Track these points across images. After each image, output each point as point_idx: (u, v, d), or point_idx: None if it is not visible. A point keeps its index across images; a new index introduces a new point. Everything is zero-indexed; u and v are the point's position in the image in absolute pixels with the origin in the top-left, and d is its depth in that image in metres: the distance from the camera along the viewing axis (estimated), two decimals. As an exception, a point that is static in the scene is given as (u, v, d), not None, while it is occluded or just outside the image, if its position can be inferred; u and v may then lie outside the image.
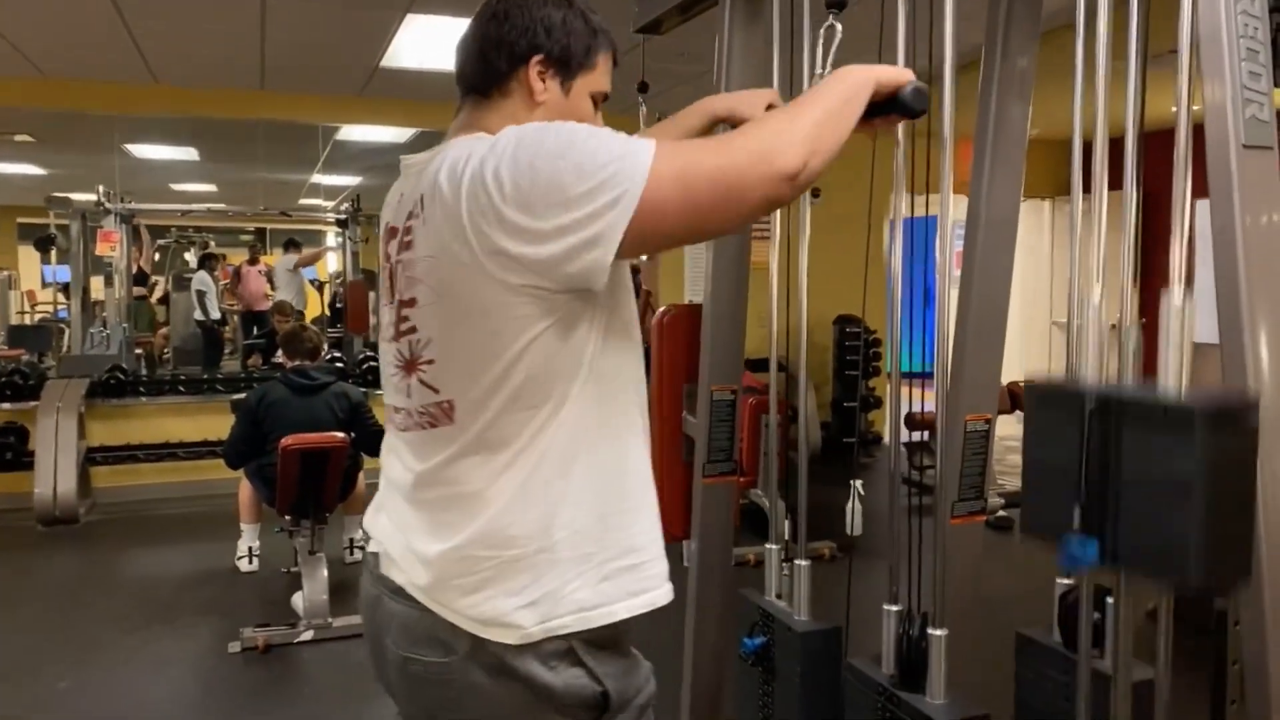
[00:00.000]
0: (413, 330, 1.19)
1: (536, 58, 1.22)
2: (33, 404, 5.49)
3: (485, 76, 1.24)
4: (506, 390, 1.13)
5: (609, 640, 1.21)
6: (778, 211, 2.43)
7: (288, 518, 3.91)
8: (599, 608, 1.18)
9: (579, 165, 1.05)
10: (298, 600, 3.77)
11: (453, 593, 1.18)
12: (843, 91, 1.18)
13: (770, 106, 1.50)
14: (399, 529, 1.26)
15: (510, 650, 1.16)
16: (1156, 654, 1.30)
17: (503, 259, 1.07)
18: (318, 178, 10.33)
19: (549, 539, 1.16)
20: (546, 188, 1.05)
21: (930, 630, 1.61)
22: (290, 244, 10.20)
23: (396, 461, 1.29)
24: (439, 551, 1.19)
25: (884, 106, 1.25)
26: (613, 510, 1.20)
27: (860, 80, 1.20)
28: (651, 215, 1.05)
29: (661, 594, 1.24)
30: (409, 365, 1.20)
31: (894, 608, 1.69)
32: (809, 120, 1.12)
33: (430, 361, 1.18)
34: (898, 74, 1.25)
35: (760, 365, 2.80)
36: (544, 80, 1.23)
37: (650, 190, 1.04)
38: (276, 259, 10.38)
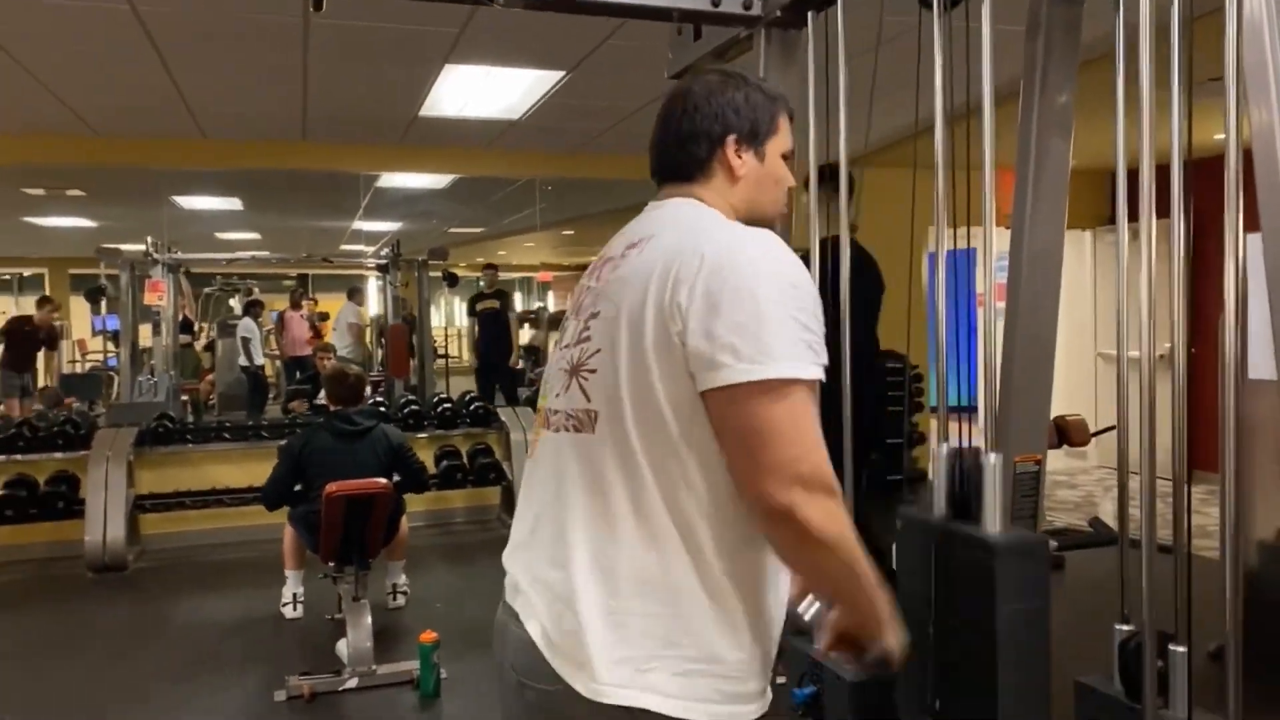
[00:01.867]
0: (588, 339, 1.27)
1: (731, 138, 1.33)
2: (83, 453, 5.59)
3: (688, 166, 1.34)
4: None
5: None
6: (817, 245, 2.42)
7: (331, 564, 3.91)
8: None
9: (756, 335, 1.12)
10: (342, 647, 3.76)
11: None
12: (862, 592, 1.20)
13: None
14: (529, 561, 1.30)
15: None
16: (1227, 702, 1.25)
17: (671, 342, 1.17)
18: (359, 224, 10.49)
19: None
20: (723, 331, 1.13)
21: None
22: (354, 292, 10.21)
23: (539, 467, 1.33)
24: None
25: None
26: None
27: (872, 614, 1.22)
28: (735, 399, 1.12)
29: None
30: (573, 369, 1.28)
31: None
32: (842, 559, 1.15)
33: (593, 370, 1.24)
34: (888, 637, 1.24)
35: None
36: (740, 155, 1.33)
37: (762, 386, 1.10)
38: (340, 308, 10.37)
